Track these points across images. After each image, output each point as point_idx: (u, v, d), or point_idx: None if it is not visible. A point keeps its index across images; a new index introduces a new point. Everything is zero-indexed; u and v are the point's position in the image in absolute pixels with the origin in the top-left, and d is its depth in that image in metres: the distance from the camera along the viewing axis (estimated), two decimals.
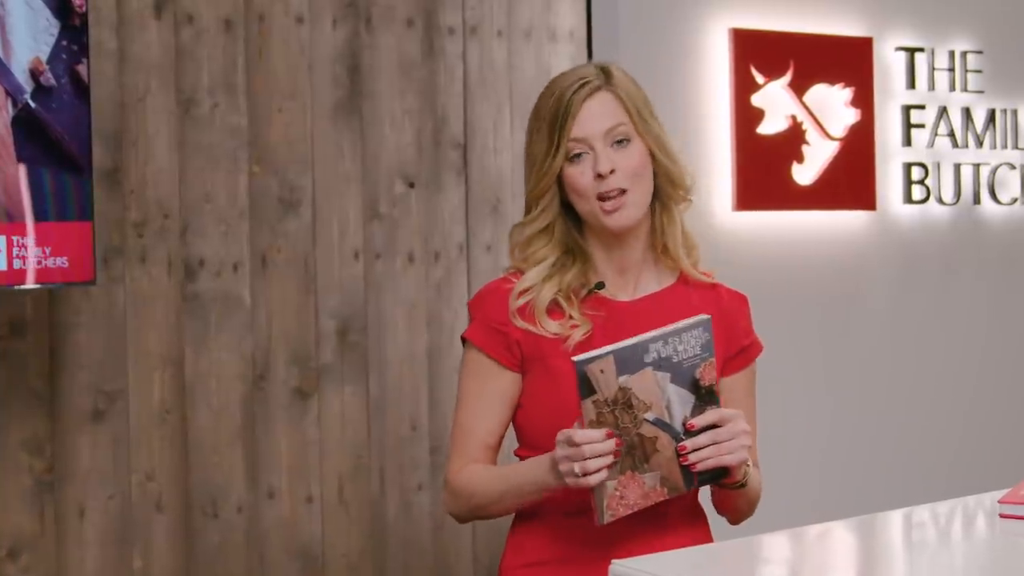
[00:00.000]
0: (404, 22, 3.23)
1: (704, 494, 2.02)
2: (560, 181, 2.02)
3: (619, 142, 1.99)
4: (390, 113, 3.21)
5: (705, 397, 1.83)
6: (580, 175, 1.99)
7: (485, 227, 3.33)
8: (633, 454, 1.80)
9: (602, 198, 1.98)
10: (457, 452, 2.03)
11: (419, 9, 3.25)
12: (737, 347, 2.08)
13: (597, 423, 1.77)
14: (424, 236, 3.25)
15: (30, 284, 2.36)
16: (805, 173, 3.68)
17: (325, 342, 3.12)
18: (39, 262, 2.33)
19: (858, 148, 3.76)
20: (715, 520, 2.09)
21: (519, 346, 2.00)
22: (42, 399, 2.81)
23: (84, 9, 2.38)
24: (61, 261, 2.37)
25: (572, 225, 2.05)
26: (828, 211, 3.73)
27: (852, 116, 3.75)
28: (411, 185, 3.24)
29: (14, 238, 2.29)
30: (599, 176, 1.98)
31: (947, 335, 3.97)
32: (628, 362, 1.77)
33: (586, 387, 1.76)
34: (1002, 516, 1.84)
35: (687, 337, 1.80)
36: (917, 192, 3.91)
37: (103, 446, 2.87)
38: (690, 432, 1.83)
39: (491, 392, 2.01)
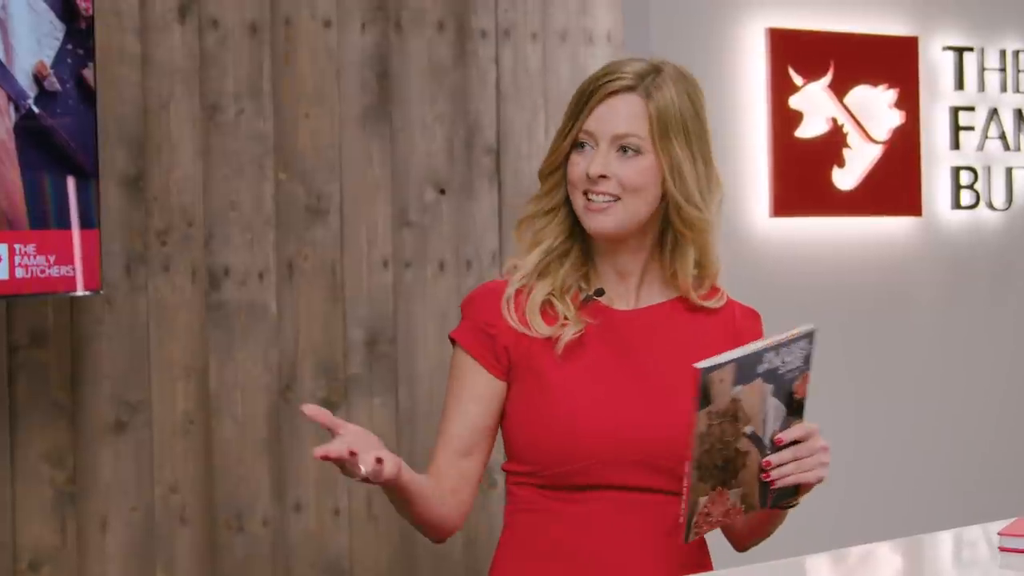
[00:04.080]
0: (435, 25, 3.18)
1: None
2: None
3: (624, 150, 1.88)
4: (420, 118, 3.16)
5: (795, 411, 1.76)
6: (575, 165, 1.91)
7: None
8: (726, 469, 1.71)
9: (588, 196, 1.90)
10: (433, 457, 1.96)
11: (450, 12, 3.20)
12: None
13: (706, 435, 1.68)
14: (455, 244, 3.20)
15: (31, 293, 2.32)
16: (846, 178, 3.59)
17: (353, 352, 3.07)
18: (42, 271, 2.29)
19: (903, 151, 3.67)
20: (716, 545, 1.99)
21: (507, 352, 1.91)
22: (63, 410, 2.78)
23: (90, 12, 2.34)
24: (66, 270, 2.33)
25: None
26: (871, 217, 3.65)
27: (896, 118, 3.66)
28: (442, 192, 3.19)
29: (16, 246, 2.25)
30: (588, 176, 1.89)
31: (997, 348, 3.87)
32: (745, 372, 1.69)
33: (705, 396, 1.66)
34: (1002, 549, 1.76)
35: (794, 348, 1.72)
36: (966, 197, 3.81)
37: (126, 457, 2.84)
38: (776, 447, 1.74)
39: (467, 394, 1.92)
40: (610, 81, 1.89)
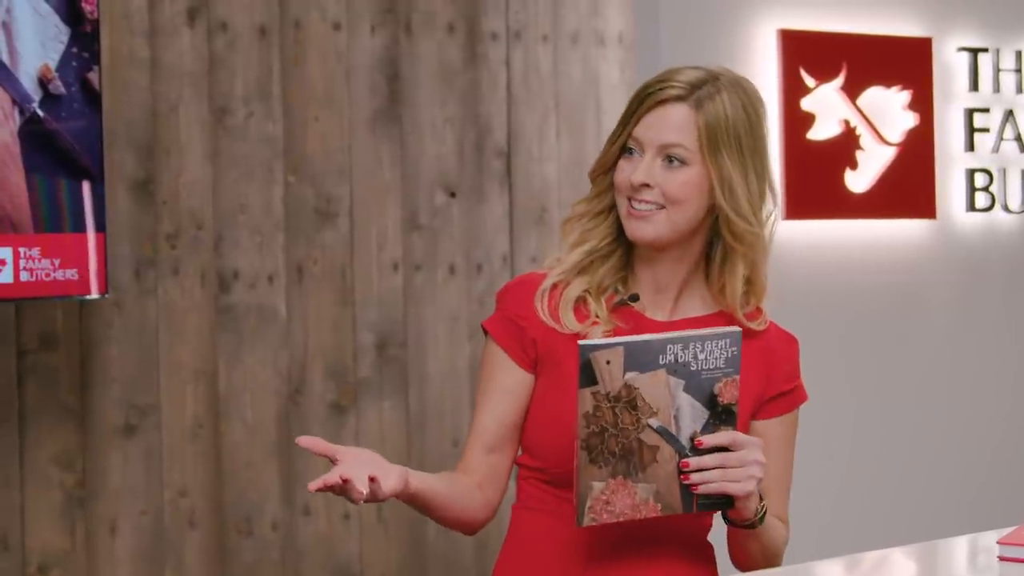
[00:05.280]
0: (445, 28, 3.17)
1: (719, 536, 1.89)
2: None
3: (670, 160, 1.85)
4: (431, 121, 3.15)
5: (721, 416, 1.71)
6: (621, 171, 1.88)
7: (530, 238, 3.25)
8: (629, 459, 1.68)
9: (632, 201, 1.87)
10: (463, 451, 1.94)
11: (460, 14, 3.19)
12: (775, 391, 1.92)
13: (593, 416, 1.66)
14: (466, 247, 3.18)
15: (36, 297, 2.32)
16: (859, 180, 3.56)
17: (363, 356, 3.06)
18: (47, 274, 2.29)
19: (917, 153, 3.64)
20: (722, 554, 1.96)
21: (535, 345, 1.89)
22: (73, 413, 2.77)
23: (95, 15, 2.34)
24: (71, 273, 2.32)
25: None
26: (885, 220, 3.62)
27: (910, 120, 3.63)
28: (452, 195, 3.17)
29: (21, 249, 2.25)
30: (631, 183, 1.87)
31: (1012, 351, 3.83)
32: (640, 358, 1.66)
33: (587, 375, 1.65)
34: (1001, 559, 1.73)
35: (711, 347, 1.68)
36: (981, 199, 3.78)
37: (135, 461, 2.83)
38: (697, 449, 1.70)
39: (497, 387, 1.90)
40: (661, 89, 1.85)
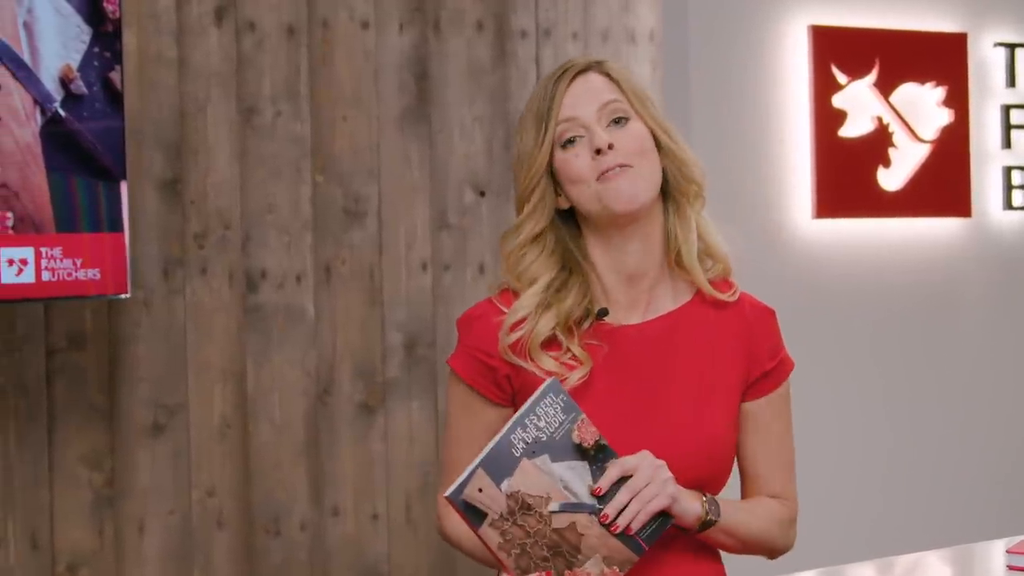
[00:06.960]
0: (474, 26, 3.16)
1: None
2: (553, 180, 1.82)
3: (616, 121, 1.81)
4: (459, 120, 3.14)
5: (598, 456, 1.68)
6: (574, 158, 1.80)
7: None
8: (559, 552, 1.66)
9: (603, 176, 1.79)
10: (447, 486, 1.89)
11: (489, 12, 3.17)
12: (761, 369, 1.87)
13: (507, 544, 1.64)
14: (495, 246, 3.17)
15: (57, 297, 2.32)
16: (892, 178, 3.53)
17: (391, 356, 3.06)
18: (69, 274, 2.29)
19: (952, 151, 3.60)
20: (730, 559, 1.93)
21: (509, 381, 1.83)
22: (101, 412, 2.78)
23: (118, 15, 2.34)
24: (93, 273, 2.32)
25: (569, 234, 1.84)
26: (918, 218, 3.58)
27: (945, 117, 3.59)
28: (481, 194, 3.16)
29: (42, 250, 2.25)
30: (597, 152, 1.79)
31: None
32: (500, 465, 1.64)
33: (474, 515, 1.64)
34: (1010, 568, 1.72)
35: (542, 410, 1.66)
36: (1018, 197, 3.73)
37: (163, 460, 2.83)
38: (601, 497, 1.67)
39: (480, 429, 1.83)
40: (563, 73, 1.84)
